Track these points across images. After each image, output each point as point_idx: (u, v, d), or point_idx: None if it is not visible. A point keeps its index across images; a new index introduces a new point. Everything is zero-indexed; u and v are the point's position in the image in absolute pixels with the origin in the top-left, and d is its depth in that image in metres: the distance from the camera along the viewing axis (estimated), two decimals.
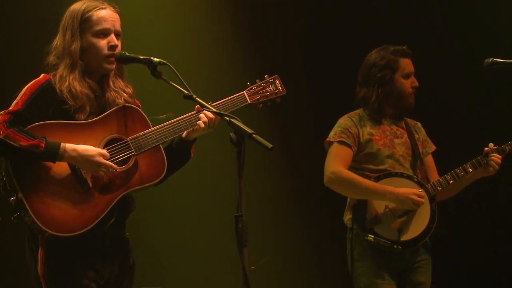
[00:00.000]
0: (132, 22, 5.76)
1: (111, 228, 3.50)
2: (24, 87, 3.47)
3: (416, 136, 4.63)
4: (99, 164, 3.40)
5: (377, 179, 4.40)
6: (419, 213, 4.36)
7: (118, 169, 3.48)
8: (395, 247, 4.28)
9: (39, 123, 3.40)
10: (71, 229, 3.37)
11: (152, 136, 3.58)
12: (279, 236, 6.46)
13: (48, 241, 3.40)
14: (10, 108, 3.40)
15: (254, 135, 3.02)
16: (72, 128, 3.46)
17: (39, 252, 3.43)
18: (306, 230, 6.52)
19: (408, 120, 4.67)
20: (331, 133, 4.53)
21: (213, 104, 3.65)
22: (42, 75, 3.53)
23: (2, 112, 3.37)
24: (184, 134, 3.68)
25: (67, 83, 3.48)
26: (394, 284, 4.35)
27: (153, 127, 3.61)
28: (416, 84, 4.55)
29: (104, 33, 3.56)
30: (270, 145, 2.99)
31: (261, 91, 3.86)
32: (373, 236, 4.29)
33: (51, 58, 3.57)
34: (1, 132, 3.30)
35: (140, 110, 3.67)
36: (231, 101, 3.75)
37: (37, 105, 3.43)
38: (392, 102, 4.53)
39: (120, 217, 3.55)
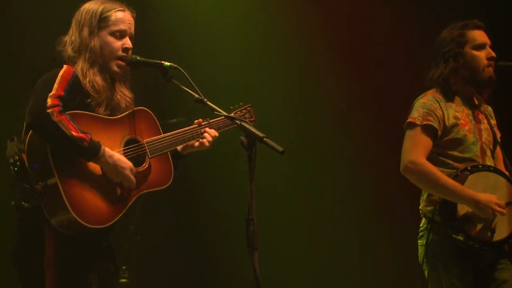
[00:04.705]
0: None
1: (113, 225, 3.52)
2: (48, 73, 3.43)
3: (492, 121, 4.33)
4: (127, 178, 3.45)
5: (466, 172, 4.07)
6: (509, 211, 4.07)
7: (136, 169, 3.53)
8: (485, 248, 4.03)
9: (73, 111, 3.39)
10: (98, 221, 3.40)
11: (166, 141, 3.67)
12: (293, 239, 6.43)
13: (57, 232, 3.37)
14: (55, 92, 3.34)
15: (265, 139, 3.02)
16: (100, 122, 3.49)
17: (48, 244, 3.40)
18: (327, 231, 6.46)
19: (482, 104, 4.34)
20: (415, 113, 4.15)
21: (211, 121, 3.84)
22: (67, 66, 3.50)
23: (51, 94, 3.31)
24: (180, 148, 3.78)
25: (88, 78, 3.51)
26: (471, 278, 4.08)
27: (162, 131, 3.70)
28: (493, 54, 4.17)
29: (121, 34, 3.61)
30: (281, 149, 2.99)
31: (242, 117, 4.01)
32: (463, 237, 4.01)
33: (69, 51, 3.57)
34: (56, 115, 3.27)
35: (153, 115, 3.73)
36: (222, 121, 3.90)
37: (71, 94, 3.42)
38: (465, 79, 4.18)
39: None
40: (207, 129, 3.84)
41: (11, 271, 3.52)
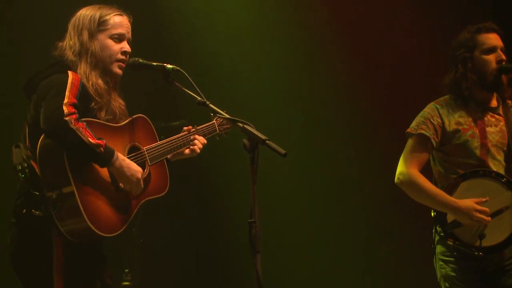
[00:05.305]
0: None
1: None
2: (55, 80, 3.42)
3: None
4: (138, 182, 3.48)
5: (463, 178, 4.07)
6: (505, 217, 4.02)
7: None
8: (476, 253, 3.99)
9: (86, 119, 3.39)
10: (110, 230, 3.42)
11: (163, 148, 3.71)
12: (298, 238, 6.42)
13: (65, 238, 3.37)
14: (69, 100, 3.33)
15: (267, 141, 3.01)
16: (107, 130, 3.50)
17: (57, 250, 3.40)
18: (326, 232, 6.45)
19: (510, 102, 4.26)
20: (413, 123, 4.21)
21: (198, 128, 3.91)
22: (72, 73, 3.48)
23: (65, 102, 3.31)
24: (169, 155, 3.80)
25: (91, 81, 3.52)
26: (476, 279, 4.03)
27: (164, 135, 3.76)
28: (502, 57, 4.13)
29: (119, 38, 3.63)
30: (283, 151, 2.98)
31: (223, 123, 4.07)
32: (452, 241, 4.02)
33: (70, 56, 3.56)
34: (73, 122, 3.28)
35: (150, 122, 3.77)
36: (206, 128, 3.98)
37: (79, 101, 3.41)
38: (475, 83, 4.15)
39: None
40: (196, 136, 3.89)
41: (12, 273, 3.51)
